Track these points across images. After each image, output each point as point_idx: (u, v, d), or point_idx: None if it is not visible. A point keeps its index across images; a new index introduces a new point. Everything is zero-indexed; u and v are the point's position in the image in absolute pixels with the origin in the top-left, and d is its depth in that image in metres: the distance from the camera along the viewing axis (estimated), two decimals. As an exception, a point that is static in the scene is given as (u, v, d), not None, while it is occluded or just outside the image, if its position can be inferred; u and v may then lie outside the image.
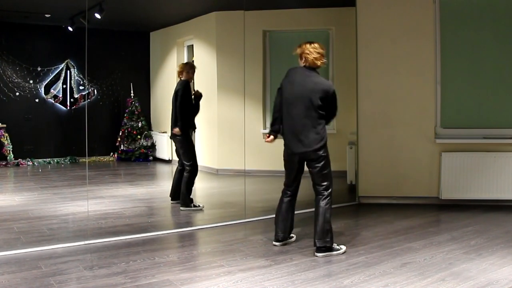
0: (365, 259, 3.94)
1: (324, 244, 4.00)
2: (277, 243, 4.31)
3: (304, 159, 4.11)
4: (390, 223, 5.17)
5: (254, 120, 7.84)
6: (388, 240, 4.51)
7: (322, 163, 4.06)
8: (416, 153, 6.02)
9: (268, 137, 4.35)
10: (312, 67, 4.11)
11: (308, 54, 4.09)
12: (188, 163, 5.73)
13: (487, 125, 5.96)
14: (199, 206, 5.79)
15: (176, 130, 5.62)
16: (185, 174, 5.75)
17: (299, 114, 4.04)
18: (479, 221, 5.18)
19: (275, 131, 4.31)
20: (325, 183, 4.09)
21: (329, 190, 4.10)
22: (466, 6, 6.00)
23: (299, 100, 4.04)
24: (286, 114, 4.13)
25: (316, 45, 4.12)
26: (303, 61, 4.15)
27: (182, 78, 5.83)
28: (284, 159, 4.24)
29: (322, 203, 4.05)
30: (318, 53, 4.09)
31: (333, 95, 4.06)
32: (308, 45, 4.12)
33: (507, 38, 5.90)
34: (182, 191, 5.73)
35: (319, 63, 4.10)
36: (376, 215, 5.54)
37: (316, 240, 4.02)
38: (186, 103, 5.70)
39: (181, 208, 5.72)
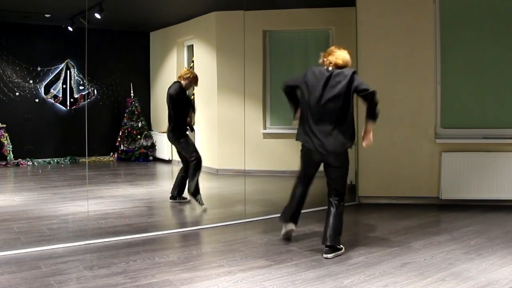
0: (365, 259, 3.94)
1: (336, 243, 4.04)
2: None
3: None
4: (390, 223, 5.17)
5: (254, 120, 7.84)
6: (388, 240, 4.51)
7: None
8: (416, 153, 6.02)
9: None
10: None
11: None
12: (192, 158, 5.72)
13: (487, 125, 5.96)
14: (202, 204, 5.71)
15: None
16: (190, 167, 5.73)
17: None
18: (479, 221, 5.18)
19: None
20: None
21: None
22: (466, 6, 6.00)
23: None
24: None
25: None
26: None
27: (181, 82, 5.76)
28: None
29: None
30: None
31: None
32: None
33: (507, 38, 5.90)
34: (188, 183, 5.77)
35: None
36: (376, 215, 5.54)
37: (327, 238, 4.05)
38: (178, 106, 5.69)
39: (188, 197, 5.76)
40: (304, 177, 4.32)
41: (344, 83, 3.94)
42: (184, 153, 5.82)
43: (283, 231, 4.45)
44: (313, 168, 4.27)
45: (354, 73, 3.98)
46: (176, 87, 5.71)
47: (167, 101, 5.76)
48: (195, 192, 5.68)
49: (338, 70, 4.02)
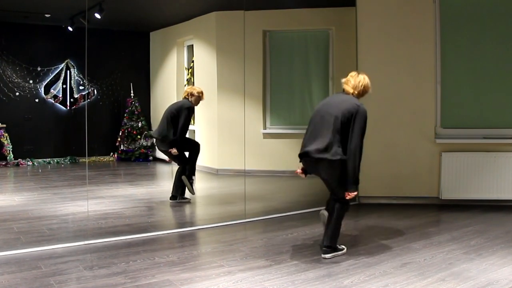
0: (365, 259, 3.94)
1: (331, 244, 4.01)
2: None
3: None
4: (390, 223, 5.17)
5: (254, 120, 7.84)
6: (388, 240, 4.51)
7: None
8: (416, 153, 6.02)
9: None
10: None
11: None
12: (196, 144, 6.16)
13: (487, 125, 5.96)
14: (186, 198, 6.09)
15: (174, 151, 5.82)
16: (194, 152, 6.12)
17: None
18: (479, 221, 5.18)
19: None
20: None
21: None
22: (466, 6, 6.00)
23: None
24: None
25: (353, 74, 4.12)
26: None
27: (190, 100, 5.99)
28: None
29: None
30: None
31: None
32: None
33: (507, 38, 5.90)
34: (192, 166, 6.09)
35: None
36: (376, 215, 5.54)
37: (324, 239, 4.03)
38: (187, 126, 5.94)
39: (183, 177, 5.99)
40: None
41: (349, 111, 3.88)
42: (190, 146, 6.08)
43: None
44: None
45: (365, 115, 3.93)
46: (191, 108, 6.00)
47: (184, 115, 5.85)
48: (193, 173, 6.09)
49: (352, 98, 4.00)
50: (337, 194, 4.02)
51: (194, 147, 6.13)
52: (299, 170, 4.16)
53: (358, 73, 4.13)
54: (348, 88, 4.07)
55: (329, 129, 3.87)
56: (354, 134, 3.87)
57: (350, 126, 3.87)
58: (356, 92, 4.05)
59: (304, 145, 4.03)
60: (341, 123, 3.86)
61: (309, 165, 4.05)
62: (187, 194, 6.07)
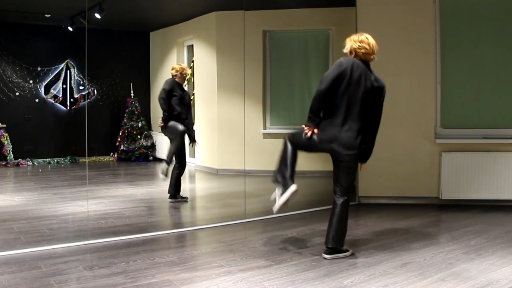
0: (365, 259, 3.94)
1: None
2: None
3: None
4: (390, 223, 5.17)
5: (254, 120, 7.84)
6: (388, 240, 4.51)
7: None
8: (416, 153, 6.02)
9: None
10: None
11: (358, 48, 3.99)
12: (175, 135, 5.99)
13: (487, 125, 5.96)
14: (185, 197, 6.09)
15: (160, 121, 5.90)
16: (176, 141, 6.00)
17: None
18: (479, 221, 5.18)
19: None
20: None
21: None
22: (466, 6, 6.00)
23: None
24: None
25: (363, 38, 4.01)
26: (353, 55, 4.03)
27: (175, 79, 6.02)
28: None
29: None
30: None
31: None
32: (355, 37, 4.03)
33: (507, 38, 5.90)
34: (169, 152, 6.02)
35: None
36: (376, 215, 5.54)
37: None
38: (169, 100, 5.89)
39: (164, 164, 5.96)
40: (297, 145, 4.17)
41: (376, 95, 3.91)
42: (173, 133, 5.97)
43: (286, 196, 4.15)
44: (313, 151, 4.12)
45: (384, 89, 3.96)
46: (170, 82, 5.97)
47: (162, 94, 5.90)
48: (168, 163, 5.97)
49: (373, 74, 4.00)
50: (343, 182, 3.92)
51: (177, 136, 5.94)
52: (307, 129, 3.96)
53: (366, 36, 4.04)
54: (368, 55, 4.01)
55: (355, 114, 3.85)
56: (379, 115, 3.94)
57: (374, 104, 3.90)
58: (375, 57, 4.02)
59: (333, 128, 3.85)
60: (366, 107, 3.88)
61: (328, 148, 3.92)
62: (186, 193, 6.07)
